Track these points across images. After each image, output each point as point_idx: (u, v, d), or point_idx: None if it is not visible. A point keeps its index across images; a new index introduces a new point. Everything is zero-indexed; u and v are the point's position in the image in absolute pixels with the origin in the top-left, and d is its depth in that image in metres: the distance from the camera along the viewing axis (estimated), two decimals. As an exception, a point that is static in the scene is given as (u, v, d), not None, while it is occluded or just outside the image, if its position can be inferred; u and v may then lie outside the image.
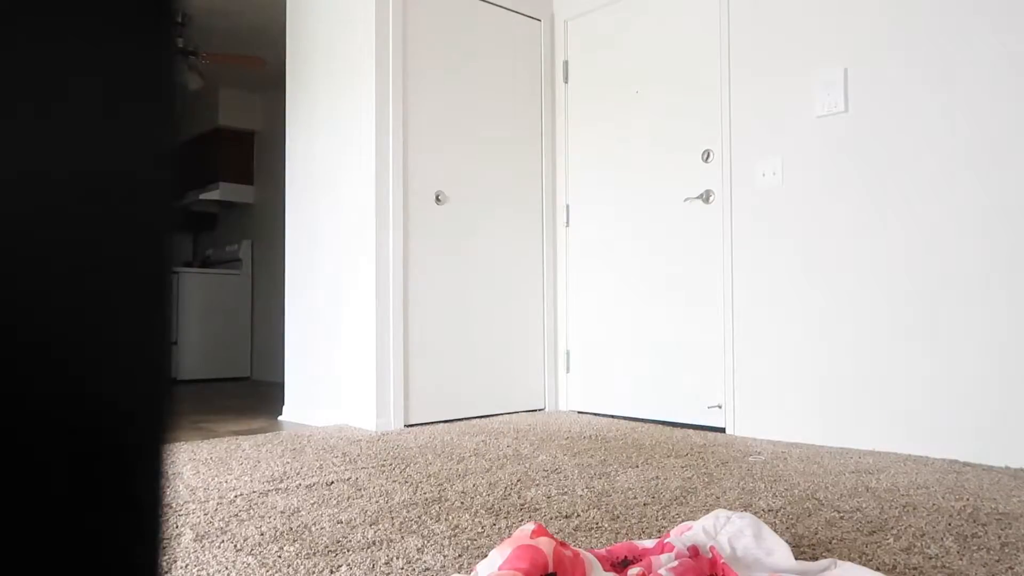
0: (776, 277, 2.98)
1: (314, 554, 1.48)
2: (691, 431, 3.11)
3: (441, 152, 3.47)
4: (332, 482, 2.13)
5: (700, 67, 3.29)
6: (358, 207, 3.32)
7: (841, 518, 1.73)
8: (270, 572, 1.39)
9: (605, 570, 1.22)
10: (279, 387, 5.47)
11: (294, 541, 1.57)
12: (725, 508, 1.74)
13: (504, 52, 3.74)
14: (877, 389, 2.68)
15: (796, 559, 1.34)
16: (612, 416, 3.59)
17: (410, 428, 3.21)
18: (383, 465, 2.37)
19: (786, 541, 1.42)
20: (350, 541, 1.57)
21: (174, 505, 1.88)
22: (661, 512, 1.80)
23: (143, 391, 0.33)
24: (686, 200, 3.32)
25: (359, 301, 3.31)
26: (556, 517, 1.76)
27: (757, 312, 3.04)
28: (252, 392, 5.19)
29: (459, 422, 3.39)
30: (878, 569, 1.37)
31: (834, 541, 1.56)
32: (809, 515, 1.76)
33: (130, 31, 0.33)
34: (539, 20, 3.91)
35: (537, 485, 2.09)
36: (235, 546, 1.54)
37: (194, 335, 5.99)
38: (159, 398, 0.34)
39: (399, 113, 3.30)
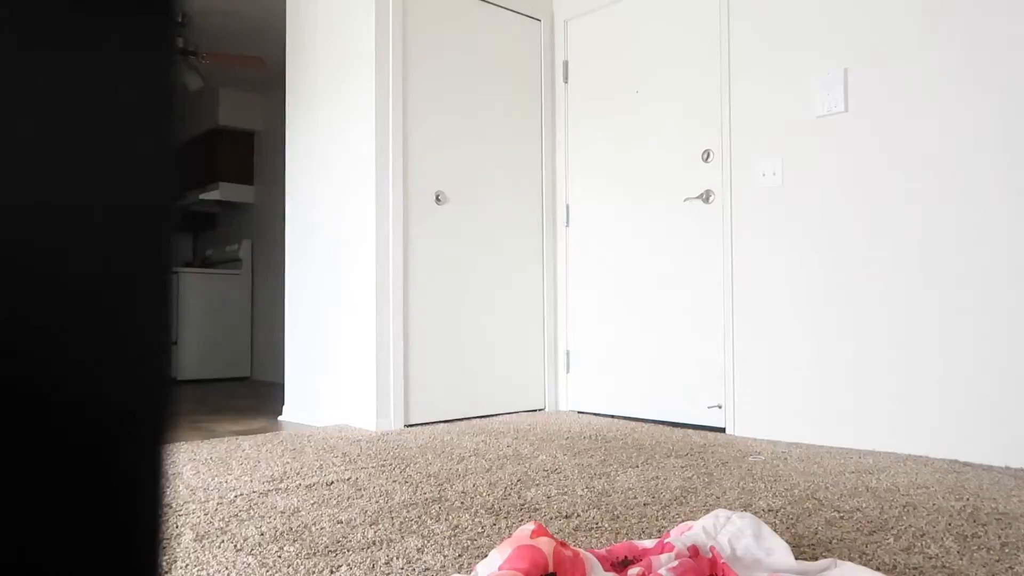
0: (776, 277, 2.98)
1: (314, 554, 1.48)
2: (691, 431, 3.11)
3: (441, 152, 3.47)
4: (332, 482, 2.13)
5: (700, 67, 3.29)
6: (358, 207, 3.32)
7: (841, 518, 1.73)
8: (270, 572, 1.39)
9: (605, 570, 1.22)
10: (279, 387, 5.47)
11: (294, 541, 1.57)
12: (725, 508, 1.74)
13: (504, 52, 3.74)
14: (877, 389, 2.68)
15: (796, 559, 1.34)
16: (612, 416, 3.59)
17: (410, 428, 3.21)
18: (383, 465, 2.37)
19: (786, 541, 1.42)
20: (350, 541, 1.57)
21: (174, 505, 1.88)
22: (661, 512, 1.80)
23: (143, 391, 0.33)
24: (686, 200, 3.32)
25: (359, 301, 3.31)
26: (556, 517, 1.76)
27: (757, 312, 3.04)
28: (252, 392, 5.19)
29: (459, 422, 3.39)
30: (878, 569, 1.37)
31: (834, 541, 1.56)
32: (809, 515, 1.76)
33: (130, 31, 0.33)
34: (539, 20, 3.91)
35: (537, 485, 2.09)
36: (235, 546, 1.54)
37: (194, 335, 5.99)
38: (159, 398, 0.34)
39: (399, 113, 3.30)
